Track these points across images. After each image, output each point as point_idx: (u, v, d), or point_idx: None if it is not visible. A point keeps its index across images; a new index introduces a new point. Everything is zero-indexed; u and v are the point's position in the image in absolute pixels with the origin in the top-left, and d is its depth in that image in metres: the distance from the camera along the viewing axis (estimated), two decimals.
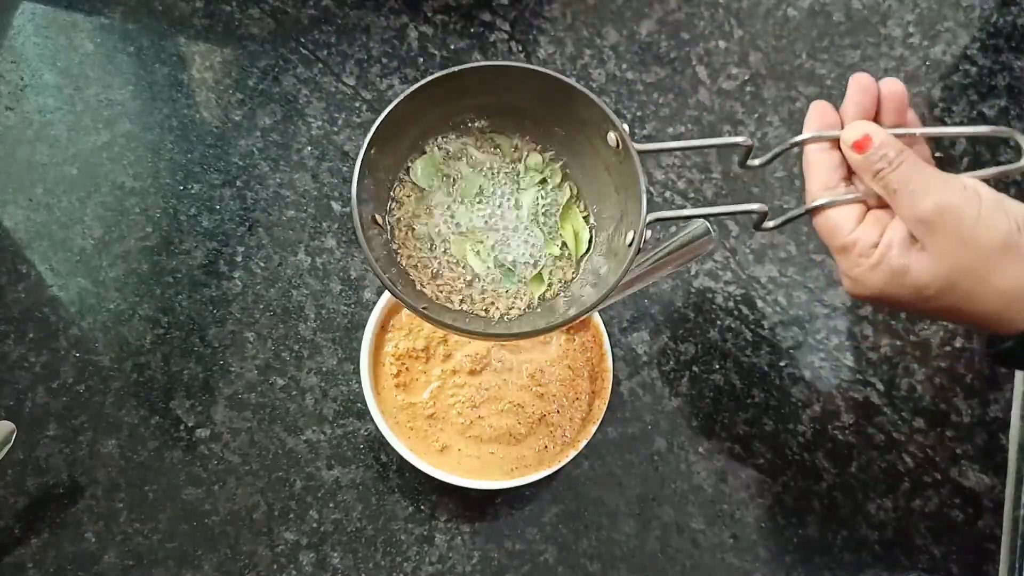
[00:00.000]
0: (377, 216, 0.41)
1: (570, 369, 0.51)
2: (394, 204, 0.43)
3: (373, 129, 0.39)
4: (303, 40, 0.62)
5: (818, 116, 0.42)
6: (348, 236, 0.56)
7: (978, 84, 0.65)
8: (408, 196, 0.43)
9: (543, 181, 0.44)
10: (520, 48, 0.63)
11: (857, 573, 0.51)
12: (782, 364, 0.56)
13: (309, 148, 0.59)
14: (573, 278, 0.44)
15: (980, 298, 0.39)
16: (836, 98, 0.63)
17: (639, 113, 0.62)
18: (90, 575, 0.47)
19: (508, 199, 0.44)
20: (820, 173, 0.42)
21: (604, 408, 0.48)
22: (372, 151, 0.39)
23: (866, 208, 0.41)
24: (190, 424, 0.50)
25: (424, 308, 0.40)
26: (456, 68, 0.40)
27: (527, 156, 0.44)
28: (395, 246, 0.42)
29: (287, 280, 0.55)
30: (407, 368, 0.50)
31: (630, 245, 0.40)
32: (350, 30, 0.62)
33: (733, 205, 0.42)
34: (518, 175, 0.44)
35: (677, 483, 0.52)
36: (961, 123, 0.63)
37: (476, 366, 0.50)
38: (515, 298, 0.43)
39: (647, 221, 0.39)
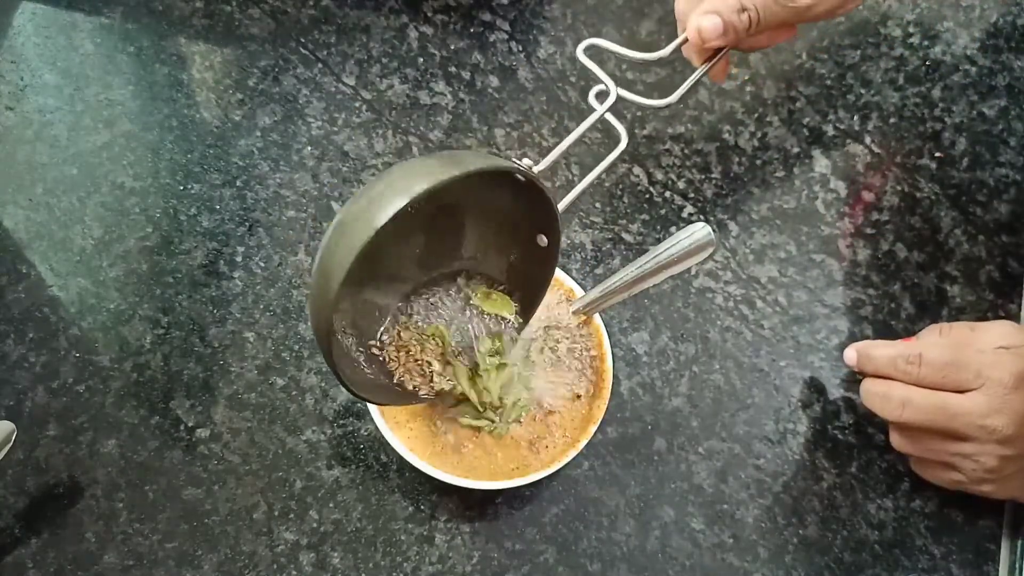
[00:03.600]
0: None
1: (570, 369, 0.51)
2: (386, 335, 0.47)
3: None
4: (303, 40, 0.62)
5: None
6: None
7: (978, 84, 0.65)
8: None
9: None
10: (520, 48, 0.63)
11: (857, 573, 0.51)
12: (782, 364, 0.56)
13: (309, 148, 0.59)
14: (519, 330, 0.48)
15: None
16: (835, 97, 0.64)
17: (639, 113, 0.62)
18: (90, 575, 0.47)
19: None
20: None
21: (604, 408, 0.48)
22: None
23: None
24: (190, 424, 0.50)
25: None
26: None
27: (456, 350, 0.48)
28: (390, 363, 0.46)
29: (287, 280, 0.55)
30: None
31: (545, 247, 0.44)
32: (350, 30, 0.62)
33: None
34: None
35: (677, 483, 0.52)
36: (961, 123, 0.63)
37: None
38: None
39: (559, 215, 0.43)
